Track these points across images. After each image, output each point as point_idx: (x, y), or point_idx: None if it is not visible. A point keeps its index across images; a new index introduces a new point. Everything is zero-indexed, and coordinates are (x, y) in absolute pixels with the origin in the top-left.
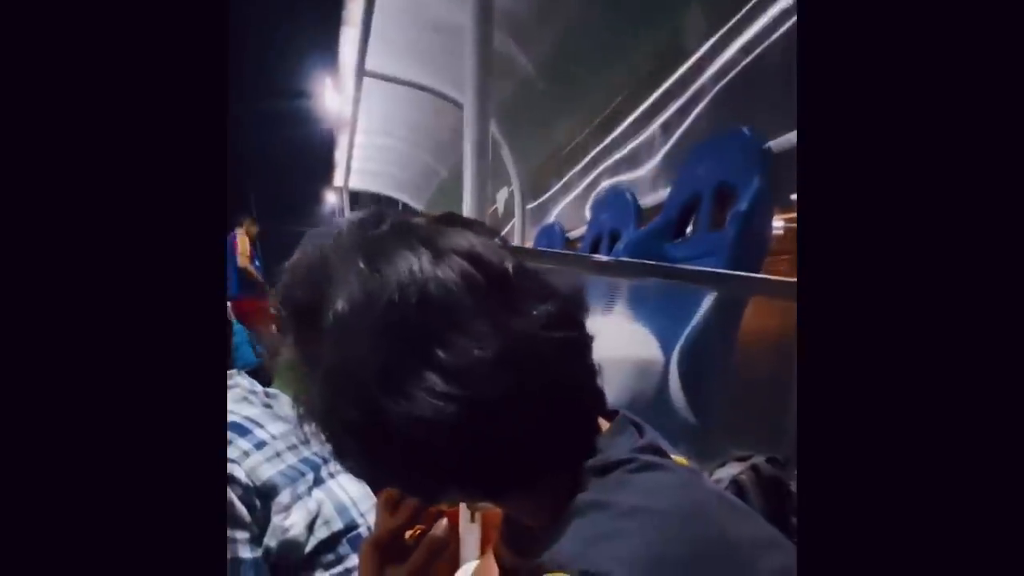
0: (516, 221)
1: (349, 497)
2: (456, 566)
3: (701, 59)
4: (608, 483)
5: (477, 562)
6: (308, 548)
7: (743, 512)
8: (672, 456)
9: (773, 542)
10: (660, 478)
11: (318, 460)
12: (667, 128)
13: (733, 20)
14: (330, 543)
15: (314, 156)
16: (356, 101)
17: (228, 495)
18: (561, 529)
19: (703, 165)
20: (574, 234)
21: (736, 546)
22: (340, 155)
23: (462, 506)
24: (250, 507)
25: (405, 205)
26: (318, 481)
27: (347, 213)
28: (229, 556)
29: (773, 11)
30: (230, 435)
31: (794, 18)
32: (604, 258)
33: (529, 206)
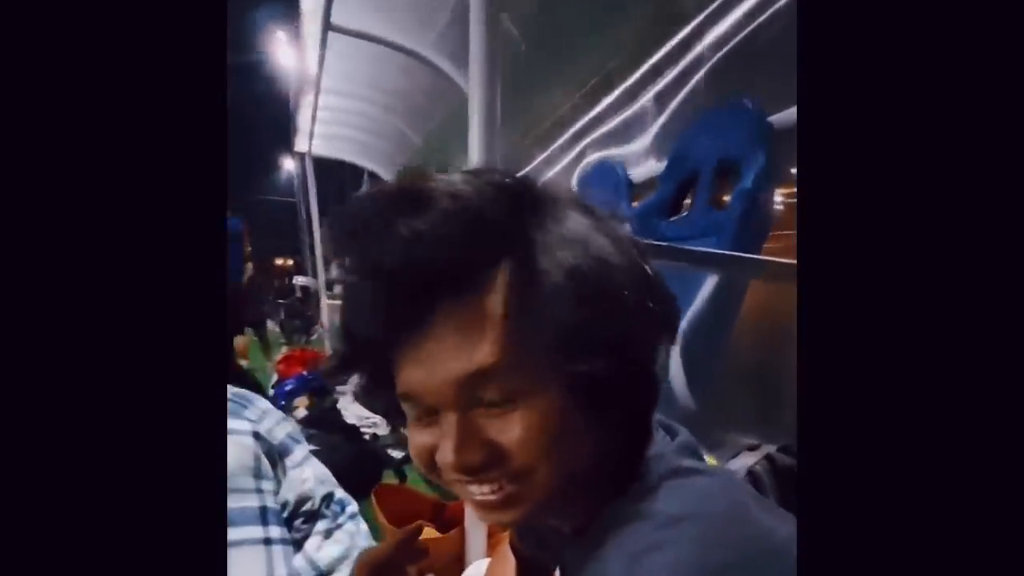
0: None
1: (328, 472)
2: (463, 564)
3: (700, 24)
4: (646, 490)
5: (488, 560)
6: (318, 500)
7: (779, 511)
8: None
9: None
10: (700, 483)
11: (299, 432)
12: (661, 99)
13: None
14: (328, 500)
15: (270, 118)
16: (321, 59)
17: (255, 450)
18: (602, 540)
19: (702, 139)
20: None
21: (781, 545)
22: (303, 118)
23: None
24: (272, 464)
25: (372, 174)
26: (308, 456)
27: (310, 180)
28: (258, 505)
29: None
30: (244, 403)
31: None
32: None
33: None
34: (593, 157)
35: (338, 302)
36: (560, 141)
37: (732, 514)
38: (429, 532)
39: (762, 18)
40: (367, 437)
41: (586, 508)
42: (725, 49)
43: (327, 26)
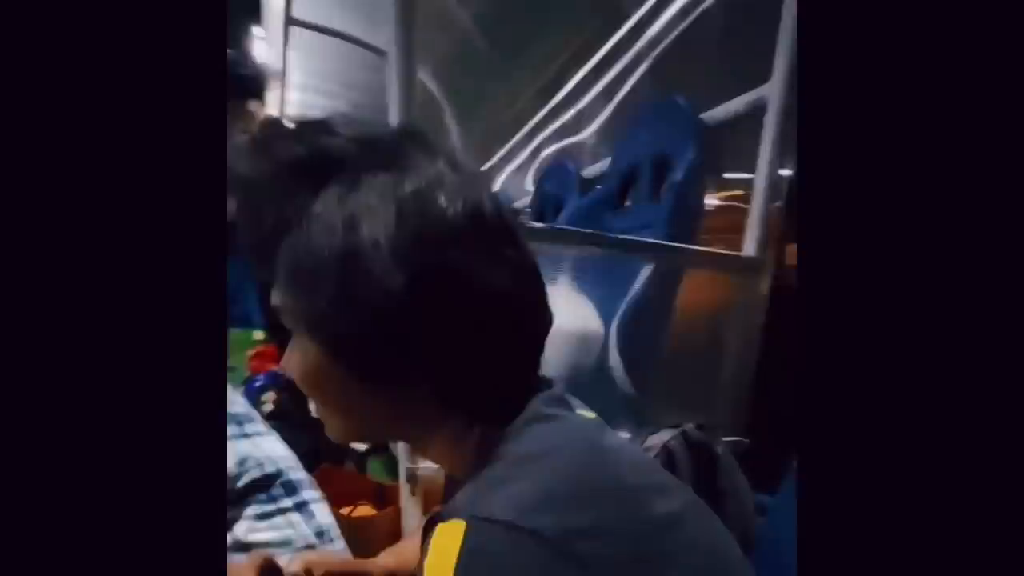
0: None
1: (276, 454)
2: (399, 539)
3: (640, 22)
4: (507, 435)
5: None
6: (240, 483)
7: (646, 463)
8: (580, 411)
9: (668, 487)
10: (556, 428)
11: (240, 413)
12: (607, 95)
13: None
14: (264, 483)
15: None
16: (284, 54)
17: None
18: (465, 482)
19: (641, 135)
20: (517, 205)
21: (630, 489)
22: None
23: (402, 481)
24: None
25: None
26: (244, 435)
27: None
28: None
29: None
30: None
31: None
32: (545, 227)
33: None
34: (549, 151)
35: None
36: (518, 136)
37: (582, 458)
38: (366, 509)
39: (695, 13)
40: None
41: (469, 462)
42: (660, 47)
43: (289, 20)
